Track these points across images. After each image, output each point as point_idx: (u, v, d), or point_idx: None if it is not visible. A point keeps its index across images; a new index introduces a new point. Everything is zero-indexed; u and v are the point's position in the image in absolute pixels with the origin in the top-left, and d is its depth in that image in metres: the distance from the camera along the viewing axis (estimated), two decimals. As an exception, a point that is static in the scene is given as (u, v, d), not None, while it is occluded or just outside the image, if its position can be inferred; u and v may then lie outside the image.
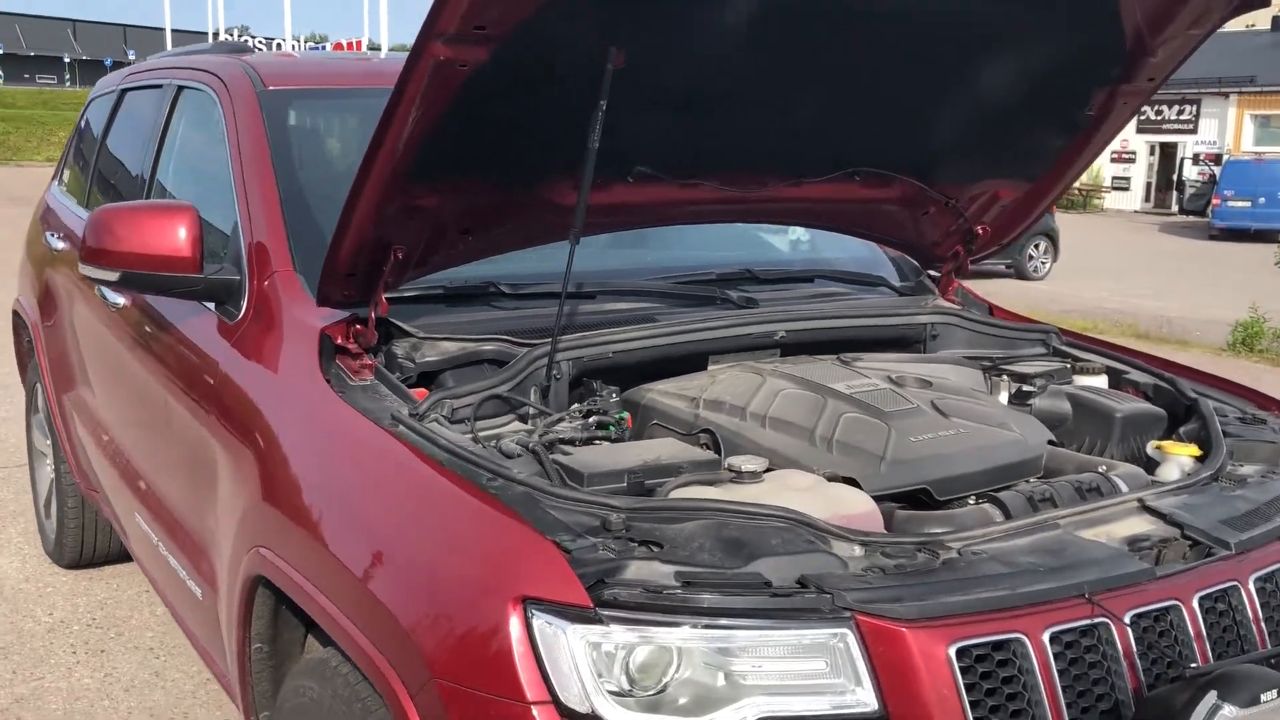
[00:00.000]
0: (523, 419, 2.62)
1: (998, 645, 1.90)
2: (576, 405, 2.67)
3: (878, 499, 2.40)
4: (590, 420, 2.57)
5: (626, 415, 2.71)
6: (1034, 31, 2.92)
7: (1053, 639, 1.94)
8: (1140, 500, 2.32)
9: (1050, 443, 2.75)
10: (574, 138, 2.50)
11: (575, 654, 1.80)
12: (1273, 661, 2.09)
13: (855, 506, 2.17)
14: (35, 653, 4.48)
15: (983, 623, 1.89)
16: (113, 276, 2.98)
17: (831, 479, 2.35)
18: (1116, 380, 3.23)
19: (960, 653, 1.86)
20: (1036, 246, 18.82)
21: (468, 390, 2.52)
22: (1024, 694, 1.89)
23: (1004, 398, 3.06)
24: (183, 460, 3.17)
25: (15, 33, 73.44)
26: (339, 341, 2.69)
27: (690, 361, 2.94)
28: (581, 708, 1.79)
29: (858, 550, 2.01)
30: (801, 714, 1.82)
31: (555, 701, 1.80)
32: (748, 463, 2.24)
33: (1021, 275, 18.71)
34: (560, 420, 2.56)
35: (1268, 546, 2.25)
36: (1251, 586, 2.17)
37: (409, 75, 2.16)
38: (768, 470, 2.32)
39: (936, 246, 3.63)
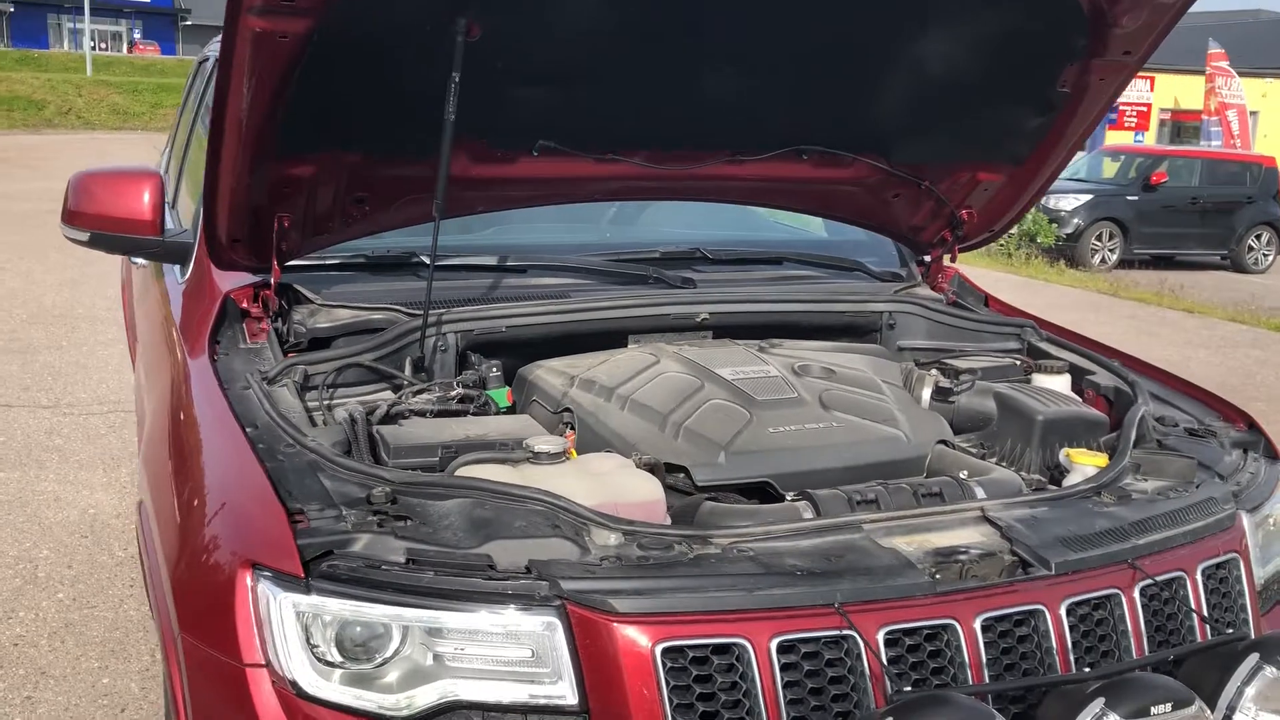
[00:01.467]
0: (398, 389, 2.65)
1: (721, 649, 1.81)
2: (445, 379, 2.68)
3: (717, 489, 2.32)
4: (453, 394, 2.57)
5: (507, 390, 2.70)
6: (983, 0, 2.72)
7: (786, 648, 1.83)
8: (982, 510, 2.15)
9: (946, 443, 2.58)
10: (440, 107, 2.49)
11: (286, 622, 1.82)
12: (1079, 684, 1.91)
13: (638, 495, 2.10)
14: (99, 583, 4.85)
15: (700, 624, 1.81)
16: (84, 237, 3.19)
17: (652, 466, 2.28)
18: (1080, 382, 2.99)
19: (672, 652, 1.79)
20: (1258, 237, 17.37)
21: (326, 357, 2.57)
22: (744, 702, 1.80)
23: (926, 394, 2.88)
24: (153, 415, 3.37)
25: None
26: (243, 305, 2.79)
27: (608, 340, 2.90)
28: (288, 675, 1.82)
29: (613, 539, 1.95)
30: (497, 701, 1.79)
31: (269, 667, 1.83)
32: (543, 444, 2.20)
33: (1239, 268, 17.33)
34: (422, 391, 2.58)
35: (1100, 570, 2.04)
36: (1062, 612, 1.98)
37: (230, 48, 2.21)
38: (612, 453, 2.28)
39: (920, 232, 3.44)
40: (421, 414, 2.50)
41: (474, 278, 3.05)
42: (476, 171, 2.77)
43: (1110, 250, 16.86)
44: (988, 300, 3.58)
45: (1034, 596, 1.98)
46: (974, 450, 2.76)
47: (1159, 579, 2.10)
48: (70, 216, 3.18)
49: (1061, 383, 2.99)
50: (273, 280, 2.74)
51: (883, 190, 3.25)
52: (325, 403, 2.47)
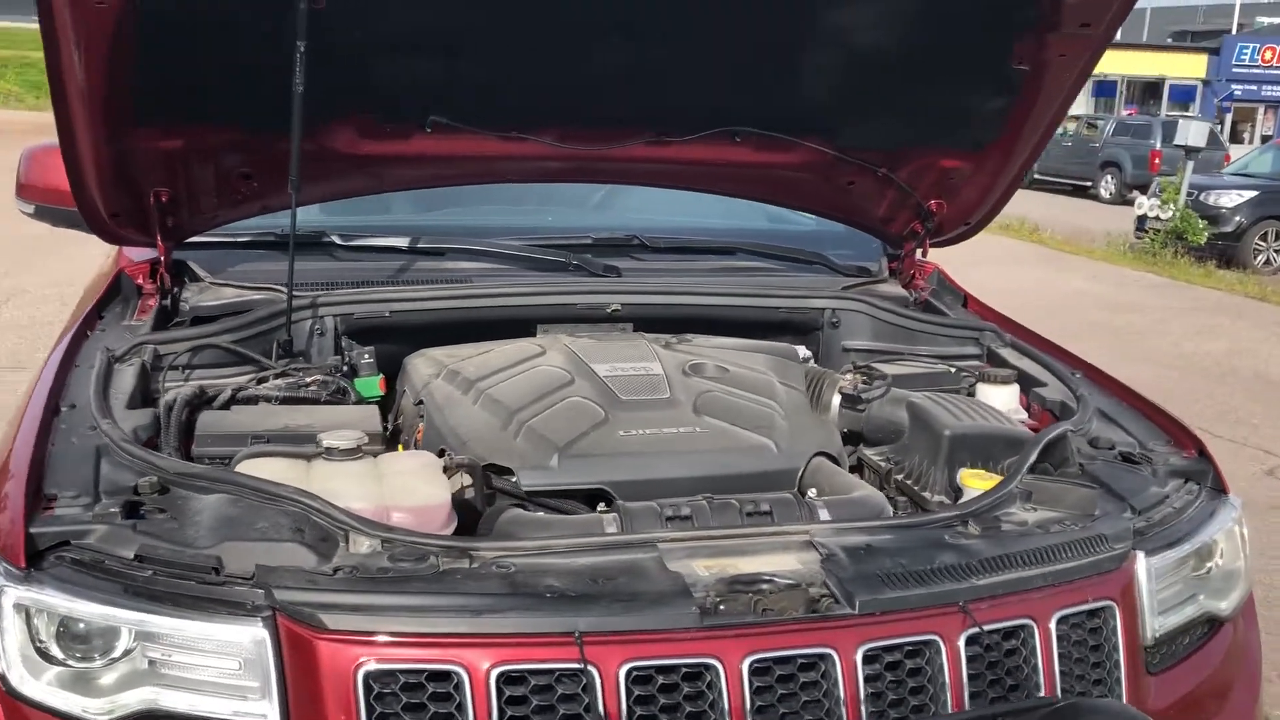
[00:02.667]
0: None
1: (439, 675, 1.64)
2: (317, 364, 2.56)
3: (553, 494, 2.15)
4: (309, 380, 2.45)
5: (379, 378, 2.57)
6: None
7: (514, 679, 1.64)
8: (809, 535, 1.91)
9: (827, 456, 2.33)
10: (315, 81, 2.38)
11: (4, 614, 1.74)
12: None
13: (414, 499, 1.93)
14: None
15: (413, 647, 1.64)
16: (30, 209, 3.20)
17: (464, 467, 2.12)
18: (1027, 394, 2.69)
19: (381, 676, 1.63)
20: None
21: (179, 337, 2.49)
22: None
23: (835, 400, 2.61)
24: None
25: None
26: (138, 281, 2.74)
27: (511, 329, 2.74)
28: (1, 667, 1.73)
29: (365, 546, 1.79)
30: (195, 713, 1.67)
31: None
32: (335, 439, 2.06)
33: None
34: (280, 376, 2.47)
35: (920, 613, 1.78)
36: (858, 658, 1.73)
37: (49, 19, 2.13)
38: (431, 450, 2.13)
39: (889, 224, 3.16)
40: (269, 399, 2.39)
41: (386, 259, 2.92)
42: (368, 149, 2.65)
43: (1276, 251, 15.62)
44: (966, 301, 3.27)
45: (824, 639, 1.73)
46: (883, 464, 2.50)
47: (993, 626, 1.82)
48: (19, 189, 3.19)
49: (1007, 394, 2.68)
50: (160, 256, 2.67)
51: (834, 177, 2.99)
52: (163, 384, 2.37)
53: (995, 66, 2.67)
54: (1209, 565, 2.23)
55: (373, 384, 2.54)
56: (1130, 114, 28.74)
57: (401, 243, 2.94)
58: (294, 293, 2.63)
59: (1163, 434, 2.48)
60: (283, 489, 1.86)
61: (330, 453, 2.04)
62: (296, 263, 2.81)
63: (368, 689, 1.62)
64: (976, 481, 2.22)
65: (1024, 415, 2.65)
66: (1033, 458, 2.19)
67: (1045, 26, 2.56)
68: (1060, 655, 1.88)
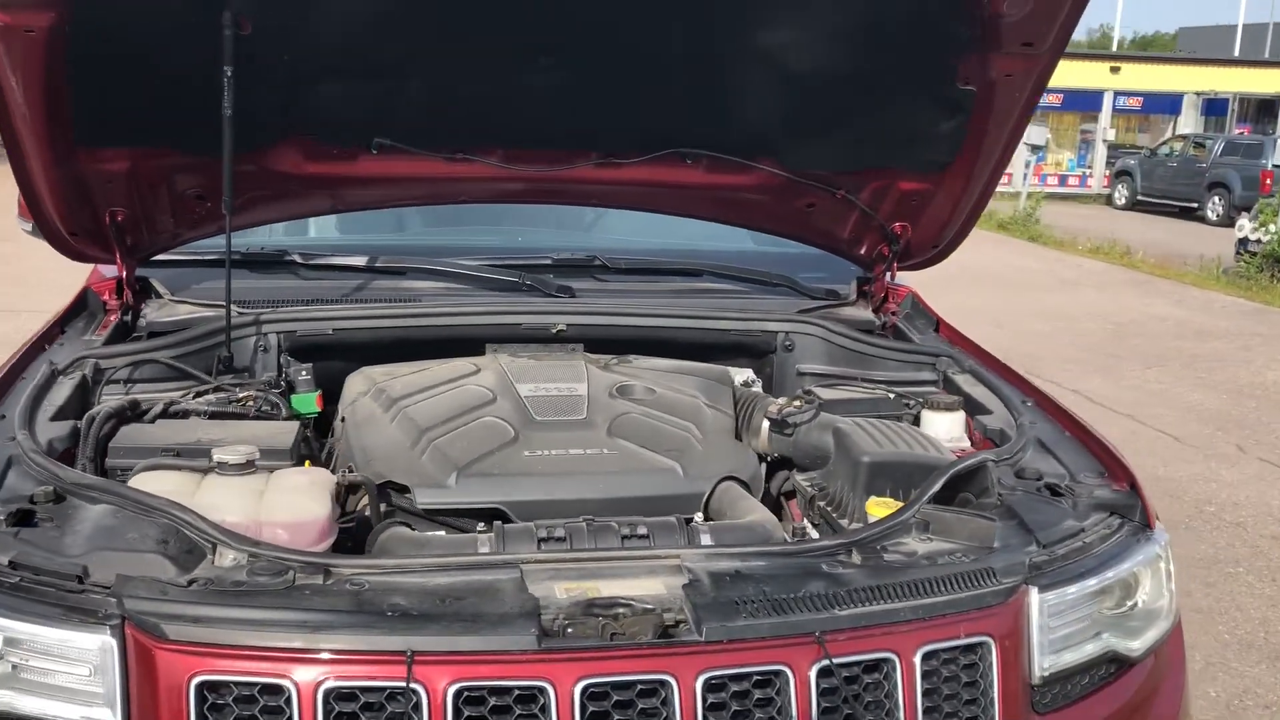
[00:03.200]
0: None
1: (271, 689, 1.66)
2: (238, 379, 2.62)
3: (451, 513, 2.17)
4: (241, 396, 2.51)
5: (316, 395, 2.62)
6: None
7: (344, 695, 1.66)
8: (680, 560, 1.90)
9: (738, 480, 2.30)
10: (256, 103, 2.45)
11: None
12: None
13: (287, 514, 1.96)
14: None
15: (245, 660, 1.66)
16: (28, 227, 3.34)
17: (356, 485, 2.15)
18: (971, 422, 2.63)
19: (214, 688, 1.66)
20: None
21: (121, 352, 2.57)
22: None
23: (765, 424, 2.58)
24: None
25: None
26: (104, 298, 2.84)
27: (459, 348, 2.77)
28: None
29: (229, 559, 1.83)
30: (41, 717, 1.71)
31: None
32: (226, 454, 2.10)
33: None
34: (209, 391, 2.54)
35: (770, 643, 1.75)
36: (698, 686, 1.71)
37: None
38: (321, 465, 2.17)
39: (855, 246, 3.12)
40: (200, 414, 2.45)
41: (347, 278, 2.98)
42: (315, 169, 2.71)
43: (1383, 278, 14.90)
44: (939, 326, 3.21)
45: (665, 665, 1.71)
46: (809, 490, 2.46)
47: (848, 659, 1.78)
48: (21, 209, 3.34)
49: (951, 421, 2.63)
50: (119, 274, 2.77)
51: (793, 199, 2.96)
52: (100, 398, 2.46)
53: (942, 87, 2.62)
54: (1131, 602, 2.15)
55: (309, 400, 2.59)
56: (1242, 133, 27.81)
57: (360, 261, 2.99)
58: (241, 310, 2.70)
59: (1098, 465, 2.39)
60: (158, 501, 1.90)
61: (222, 467, 2.09)
62: (255, 281, 2.90)
63: (200, 699, 1.65)
64: (880, 510, 2.17)
65: (966, 443, 2.59)
66: (935, 488, 2.13)
67: (987, 46, 2.51)
68: (928, 691, 1.83)
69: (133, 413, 2.40)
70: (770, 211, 3.01)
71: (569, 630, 1.73)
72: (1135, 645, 2.11)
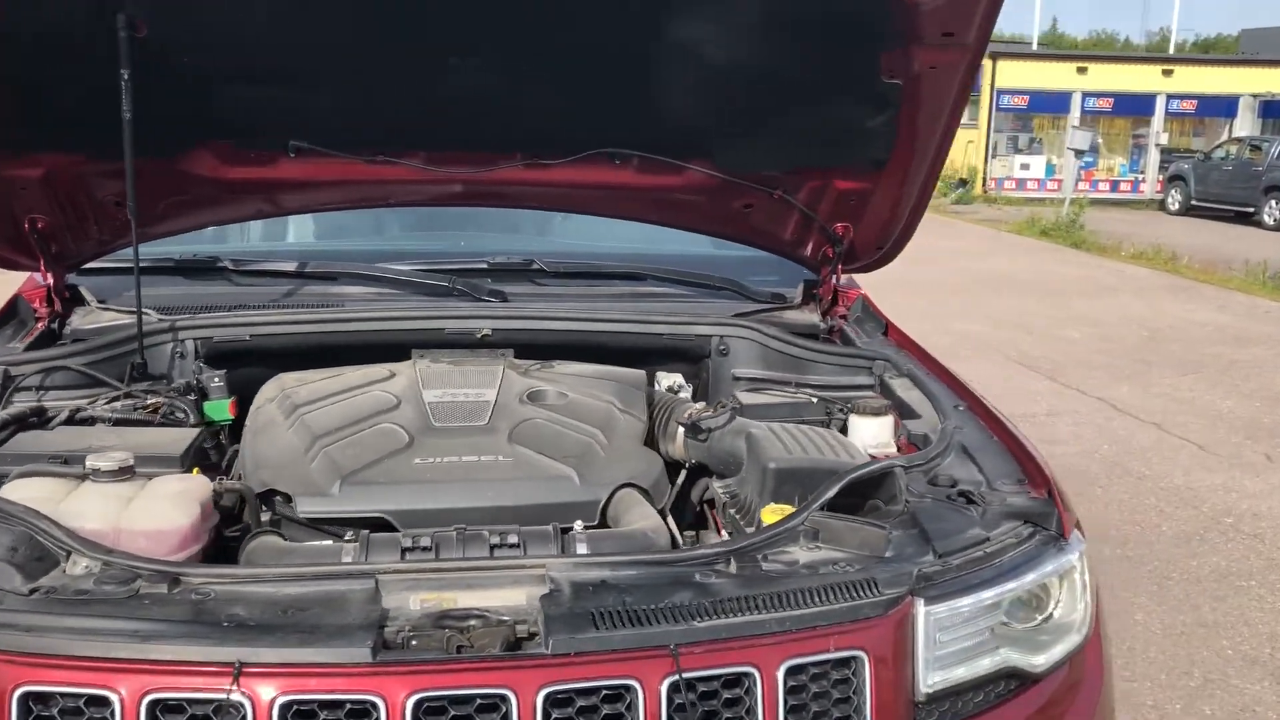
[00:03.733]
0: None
1: (97, 700, 1.62)
2: (150, 386, 2.59)
3: (335, 521, 2.12)
4: (149, 403, 2.49)
5: (229, 401, 2.59)
6: None
7: (169, 707, 1.61)
8: (545, 570, 1.83)
9: (637, 487, 2.23)
10: (167, 107, 2.43)
11: None
12: None
13: (147, 523, 1.92)
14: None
15: (69, 671, 1.62)
16: None
17: (240, 491, 2.11)
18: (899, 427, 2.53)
19: (37, 697, 1.62)
20: None
21: (31, 359, 2.56)
22: None
23: (680, 430, 2.51)
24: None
25: None
26: (34, 305, 2.84)
27: (385, 354, 2.73)
28: None
29: (81, 567, 1.80)
30: None
31: None
32: (100, 460, 2.07)
33: None
34: (120, 398, 2.51)
35: (621, 656, 1.67)
36: (538, 700, 1.64)
37: None
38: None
39: (799, 248, 3.04)
40: (105, 420, 2.43)
41: (280, 283, 2.96)
42: (233, 174, 2.68)
43: None
44: (887, 329, 3.11)
45: (505, 679, 1.64)
46: (723, 497, 2.38)
47: (702, 673, 1.70)
48: None
49: (879, 426, 2.53)
50: (45, 282, 2.76)
51: (729, 200, 2.88)
52: (6, 403, 2.44)
53: (867, 82, 2.54)
54: (1042, 615, 2.05)
55: (222, 407, 2.56)
56: (1301, 135, 27.13)
57: (291, 266, 2.96)
58: (162, 317, 2.68)
59: (1018, 472, 2.29)
60: (12, 508, 1.88)
61: (95, 474, 2.06)
62: (187, 288, 2.88)
63: (24, 710, 1.61)
64: (774, 517, 2.09)
65: (893, 449, 2.50)
66: (829, 494, 2.05)
67: (907, 38, 2.42)
68: (795, 707, 1.75)
69: (36, 419, 2.39)
70: (707, 213, 2.93)
71: (413, 642, 1.67)
72: (1039, 660, 2.01)
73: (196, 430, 2.40)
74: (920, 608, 1.87)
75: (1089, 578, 2.12)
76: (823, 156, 2.77)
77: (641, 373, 2.69)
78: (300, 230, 3.39)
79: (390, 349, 2.72)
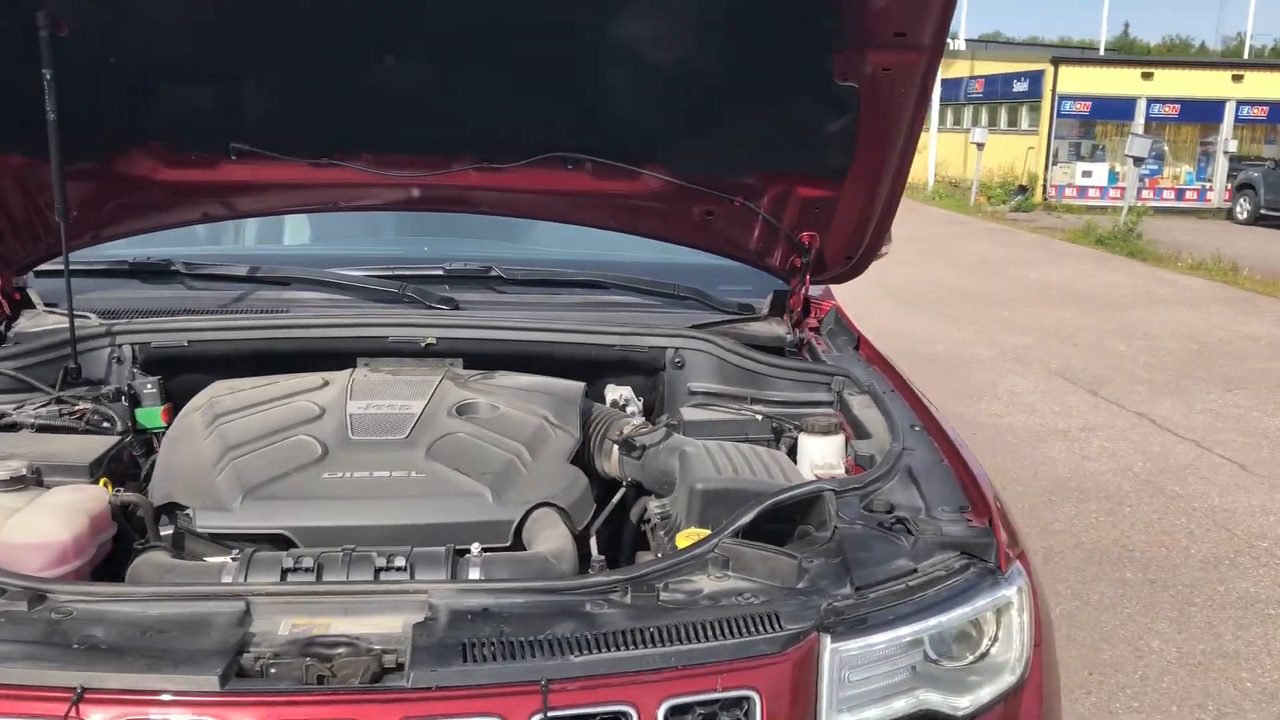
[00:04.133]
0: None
1: None
2: (88, 390, 2.54)
3: (238, 538, 2.05)
4: (77, 409, 2.44)
5: (162, 409, 2.53)
6: None
7: None
8: (428, 595, 1.74)
9: (556, 507, 2.14)
10: (100, 107, 2.39)
11: None
12: None
13: (26, 536, 1.86)
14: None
15: None
16: None
17: (135, 504, 2.04)
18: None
19: None
20: None
21: None
22: None
23: (615, 448, 2.40)
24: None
25: None
26: None
27: (327, 362, 2.65)
28: None
29: None
30: None
31: None
32: None
33: None
34: (48, 403, 2.47)
35: (486, 691, 1.58)
36: None
37: None
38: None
39: (766, 257, 2.93)
40: (29, 426, 2.38)
41: (230, 288, 2.90)
42: (174, 176, 2.63)
43: None
44: (859, 344, 2.98)
45: (360, 713, 1.55)
46: (656, 517, 2.27)
47: (575, 712, 1.59)
48: None
49: (827, 445, 2.41)
50: None
51: (688, 206, 2.78)
52: None
53: (820, 84, 2.42)
54: (973, 654, 1.92)
55: (154, 414, 2.50)
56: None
57: (243, 271, 2.91)
58: (101, 321, 2.64)
59: (963, 498, 2.15)
60: None
61: (-8, 483, 2.01)
62: (139, 291, 2.84)
63: None
64: (688, 542, 1.98)
65: (841, 470, 2.37)
66: (744, 520, 1.93)
67: (857, 39, 2.30)
68: (678, 750, 1.64)
69: None
70: (668, 220, 2.83)
71: (271, 670, 1.59)
72: (963, 703, 1.87)
73: (114, 439, 2.34)
74: (827, 644, 1.75)
75: (1025, 617, 1.98)
76: (781, 162, 2.66)
77: (579, 385, 2.59)
78: (270, 233, 3.34)
79: (333, 357, 2.65)
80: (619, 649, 1.64)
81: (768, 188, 2.71)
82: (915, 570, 1.91)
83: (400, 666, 1.60)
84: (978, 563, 1.97)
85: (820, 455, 2.39)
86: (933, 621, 1.85)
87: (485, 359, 2.68)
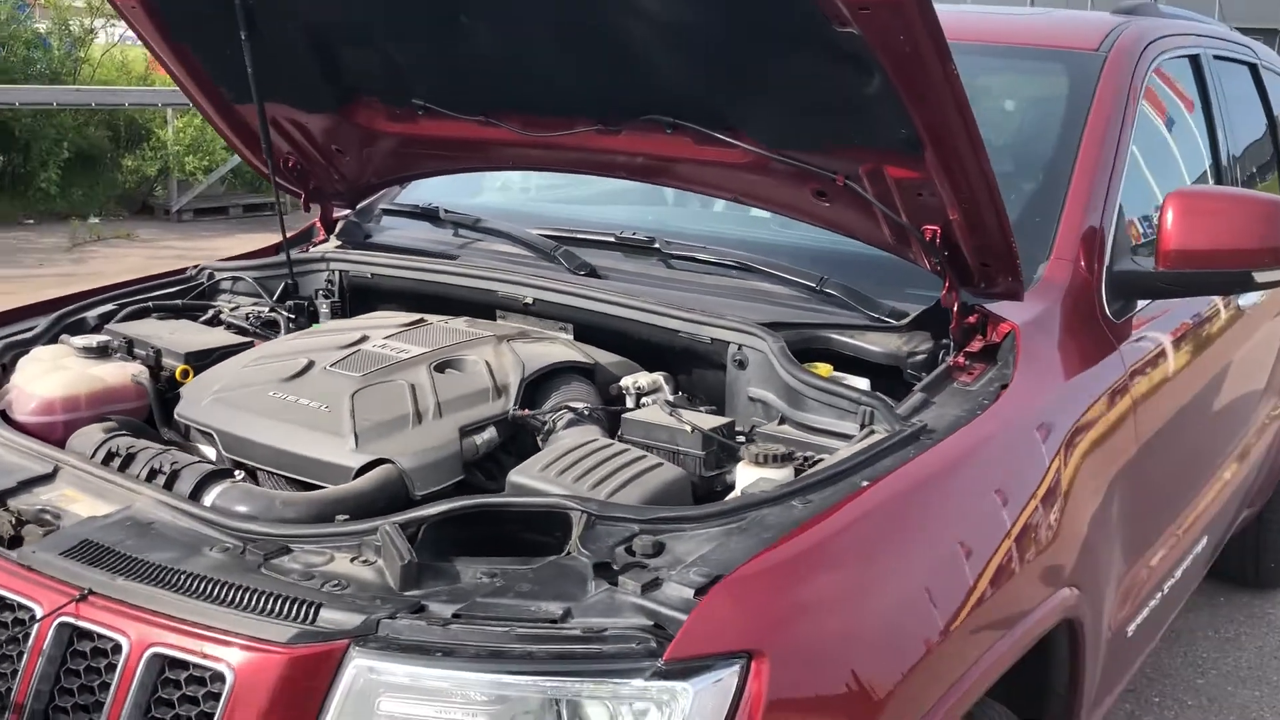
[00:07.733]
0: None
1: None
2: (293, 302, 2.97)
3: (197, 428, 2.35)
4: (263, 314, 2.89)
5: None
6: None
7: None
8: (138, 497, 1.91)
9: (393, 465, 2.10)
10: (323, 63, 2.81)
11: None
12: None
13: (30, 387, 2.32)
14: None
15: None
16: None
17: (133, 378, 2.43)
18: None
19: None
20: None
21: (225, 267, 3.06)
22: None
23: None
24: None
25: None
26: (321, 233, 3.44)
27: (463, 307, 2.81)
28: None
29: None
30: None
31: None
32: (82, 339, 2.51)
33: None
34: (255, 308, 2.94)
35: (32, 575, 1.73)
36: None
37: None
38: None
39: (906, 251, 2.41)
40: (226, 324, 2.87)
41: (468, 236, 3.16)
42: (395, 128, 2.91)
43: None
44: (1008, 383, 2.25)
45: None
46: None
47: (83, 625, 1.63)
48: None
49: (759, 478, 1.98)
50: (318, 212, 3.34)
51: (798, 184, 2.37)
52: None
53: (823, 32, 1.94)
54: None
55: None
56: None
57: (472, 220, 3.14)
58: (332, 252, 3.08)
59: (731, 564, 1.64)
60: None
61: (78, 349, 2.51)
62: (422, 231, 3.23)
63: None
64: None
65: None
66: (427, 514, 1.78)
67: None
68: (161, 700, 1.61)
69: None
70: (785, 199, 2.43)
71: None
72: None
73: (230, 342, 2.72)
74: (353, 657, 1.53)
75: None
76: (843, 133, 2.16)
77: (589, 363, 2.46)
78: (556, 193, 3.57)
79: (465, 304, 2.80)
80: (162, 587, 1.64)
81: (858, 163, 2.21)
82: (561, 617, 1.55)
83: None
84: (640, 638, 1.52)
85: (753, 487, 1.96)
86: (521, 680, 1.50)
87: (580, 327, 2.63)
